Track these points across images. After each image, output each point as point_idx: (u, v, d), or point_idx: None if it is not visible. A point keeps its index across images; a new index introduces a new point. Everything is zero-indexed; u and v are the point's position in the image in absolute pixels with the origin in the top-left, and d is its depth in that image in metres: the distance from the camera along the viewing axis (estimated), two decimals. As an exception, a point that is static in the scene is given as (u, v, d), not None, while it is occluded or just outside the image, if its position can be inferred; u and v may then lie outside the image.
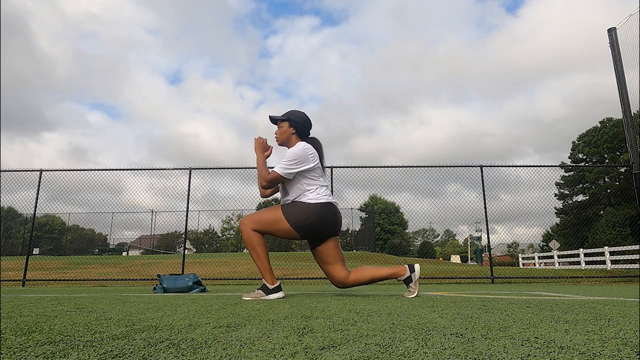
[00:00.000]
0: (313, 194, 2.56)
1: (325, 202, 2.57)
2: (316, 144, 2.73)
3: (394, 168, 8.45)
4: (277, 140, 2.76)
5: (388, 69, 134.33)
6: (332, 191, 7.67)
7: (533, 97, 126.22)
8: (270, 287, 2.51)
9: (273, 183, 2.60)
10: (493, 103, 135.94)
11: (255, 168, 2.69)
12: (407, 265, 2.65)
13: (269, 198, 2.85)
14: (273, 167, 2.63)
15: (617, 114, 30.24)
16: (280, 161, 2.57)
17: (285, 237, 2.53)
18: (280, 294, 2.51)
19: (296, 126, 2.70)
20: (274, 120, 2.76)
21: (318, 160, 2.63)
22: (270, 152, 2.77)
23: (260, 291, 2.51)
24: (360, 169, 8.19)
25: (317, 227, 2.55)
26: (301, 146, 2.59)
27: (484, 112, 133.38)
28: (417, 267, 2.65)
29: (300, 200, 2.57)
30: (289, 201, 2.61)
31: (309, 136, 2.78)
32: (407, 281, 2.61)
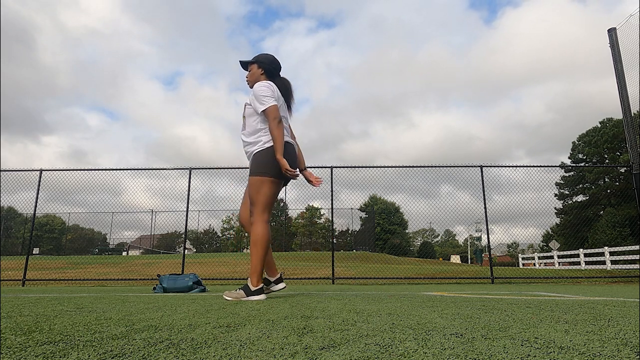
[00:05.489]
0: (268, 135, 2.54)
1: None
2: (284, 82, 2.75)
3: (392, 169, 8.45)
4: (248, 83, 2.76)
5: (376, 75, 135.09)
6: (332, 194, 7.67)
7: (519, 103, 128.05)
8: (253, 288, 2.44)
9: (277, 113, 2.51)
10: (479, 108, 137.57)
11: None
12: (280, 275, 2.75)
13: None
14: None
15: (601, 118, 30.51)
16: (258, 100, 2.53)
17: (276, 191, 2.54)
18: (262, 297, 2.43)
19: (264, 67, 2.72)
20: (244, 64, 2.79)
21: (279, 97, 2.64)
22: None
23: (242, 292, 2.46)
24: (359, 170, 8.19)
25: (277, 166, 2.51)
26: (263, 82, 2.60)
27: (471, 117, 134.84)
28: (281, 285, 2.75)
29: (258, 145, 2.56)
30: (247, 142, 2.61)
31: (279, 76, 2.78)
32: (267, 283, 2.71)
